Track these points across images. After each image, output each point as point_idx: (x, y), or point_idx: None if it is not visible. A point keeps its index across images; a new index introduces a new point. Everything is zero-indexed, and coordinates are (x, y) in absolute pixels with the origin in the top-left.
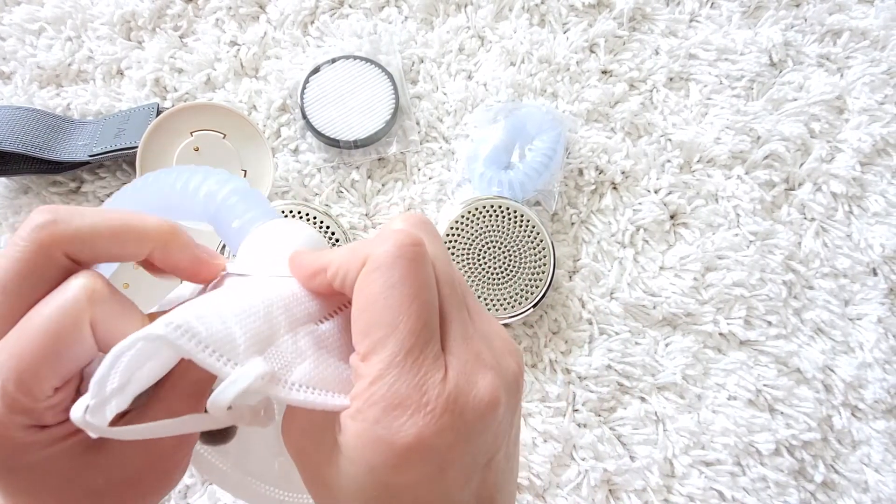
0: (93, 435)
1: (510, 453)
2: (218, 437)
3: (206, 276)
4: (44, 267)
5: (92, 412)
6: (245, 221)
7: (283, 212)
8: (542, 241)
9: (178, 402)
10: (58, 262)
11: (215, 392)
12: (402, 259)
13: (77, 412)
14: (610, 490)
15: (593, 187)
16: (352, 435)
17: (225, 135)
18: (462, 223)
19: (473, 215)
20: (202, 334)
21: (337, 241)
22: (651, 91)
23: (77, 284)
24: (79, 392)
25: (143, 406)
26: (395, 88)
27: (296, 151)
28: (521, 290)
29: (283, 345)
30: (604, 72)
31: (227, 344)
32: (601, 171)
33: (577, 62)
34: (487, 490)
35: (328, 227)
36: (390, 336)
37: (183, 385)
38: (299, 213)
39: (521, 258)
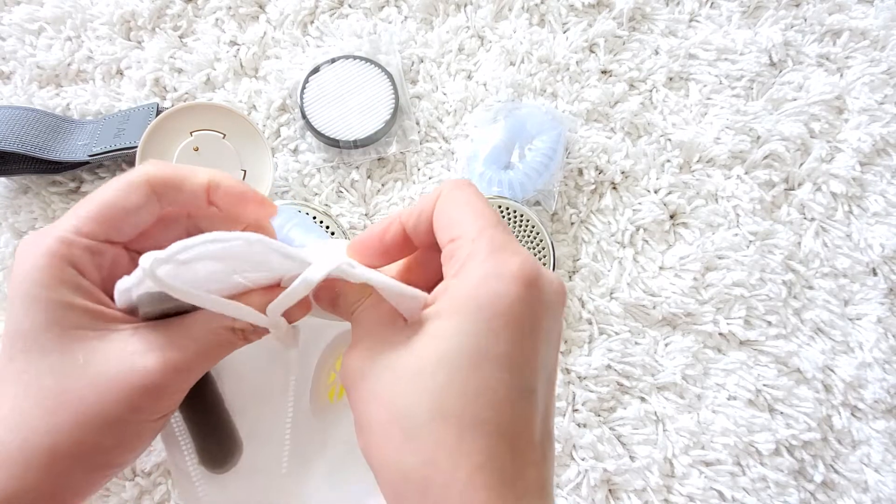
0: (150, 283)
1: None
2: (219, 459)
3: (258, 212)
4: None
5: (157, 260)
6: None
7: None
8: (541, 241)
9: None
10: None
11: (307, 270)
12: (470, 185)
13: (147, 258)
14: (610, 490)
15: (593, 187)
16: (452, 294)
17: (225, 135)
18: None
19: None
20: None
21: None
22: (651, 91)
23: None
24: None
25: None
26: (395, 88)
27: (295, 151)
28: None
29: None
30: (603, 72)
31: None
32: (601, 171)
33: (576, 62)
34: (550, 405)
35: (328, 228)
36: (480, 217)
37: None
38: (299, 212)
39: None
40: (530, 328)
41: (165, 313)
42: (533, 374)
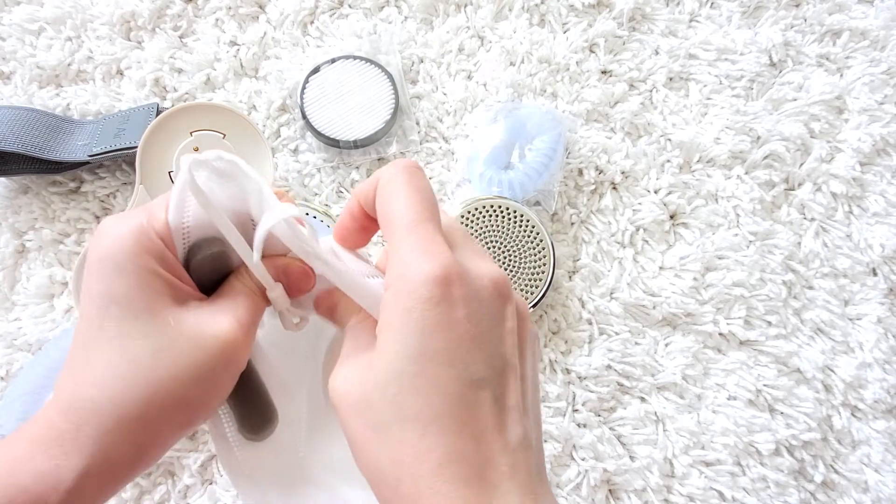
0: (185, 175)
1: (530, 388)
2: (257, 426)
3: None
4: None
5: (196, 161)
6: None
7: None
8: (541, 241)
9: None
10: None
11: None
12: (407, 170)
13: (186, 157)
14: (610, 490)
15: (593, 187)
16: (386, 306)
17: (225, 135)
18: (462, 223)
19: (473, 215)
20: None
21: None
22: (651, 91)
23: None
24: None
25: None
26: (395, 88)
27: (295, 151)
28: (521, 289)
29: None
30: (603, 72)
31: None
32: (601, 171)
33: (576, 62)
34: (513, 392)
35: (328, 227)
36: (409, 211)
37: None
38: (307, 214)
39: (521, 258)
40: (459, 322)
41: (210, 264)
42: (479, 365)
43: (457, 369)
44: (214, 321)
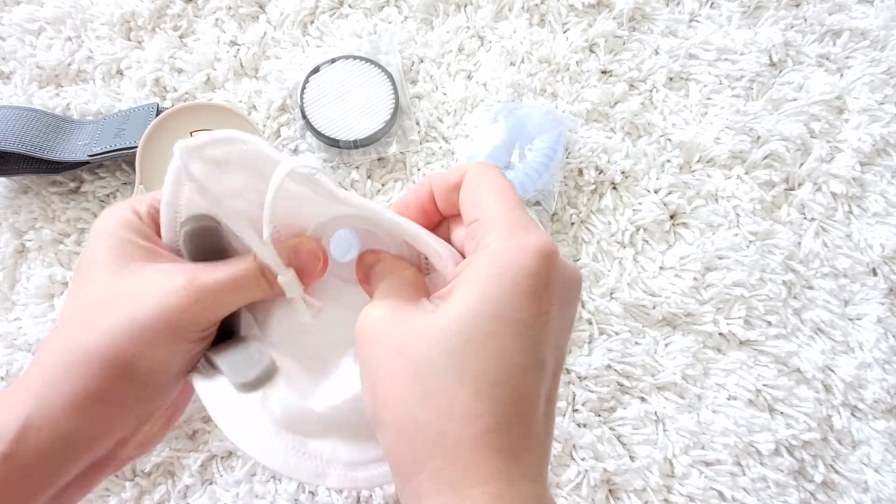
0: (179, 160)
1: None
2: (250, 377)
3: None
4: None
5: (187, 148)
6: None
7: None
8: None
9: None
10: None
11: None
12: (495, 168)
13: (179, 144)
14: (610, 490)
15: (593, 187)
16: (475, 265)
17: None
18: None
19: None
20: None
21: None
22: (651, 91)
23: None
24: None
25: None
26: (395, 88)
27: (296, 151)
28: None
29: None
30: (604, 72)
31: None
32: (601, 171)
33: (576, 62)
34: (555, 388)
35: None
36: (502, 200)
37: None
38: None
39: None
40: (548, 300)
41: (200, 238)
42: (546, 348)
43: (530, 344)
44: (164, 279)
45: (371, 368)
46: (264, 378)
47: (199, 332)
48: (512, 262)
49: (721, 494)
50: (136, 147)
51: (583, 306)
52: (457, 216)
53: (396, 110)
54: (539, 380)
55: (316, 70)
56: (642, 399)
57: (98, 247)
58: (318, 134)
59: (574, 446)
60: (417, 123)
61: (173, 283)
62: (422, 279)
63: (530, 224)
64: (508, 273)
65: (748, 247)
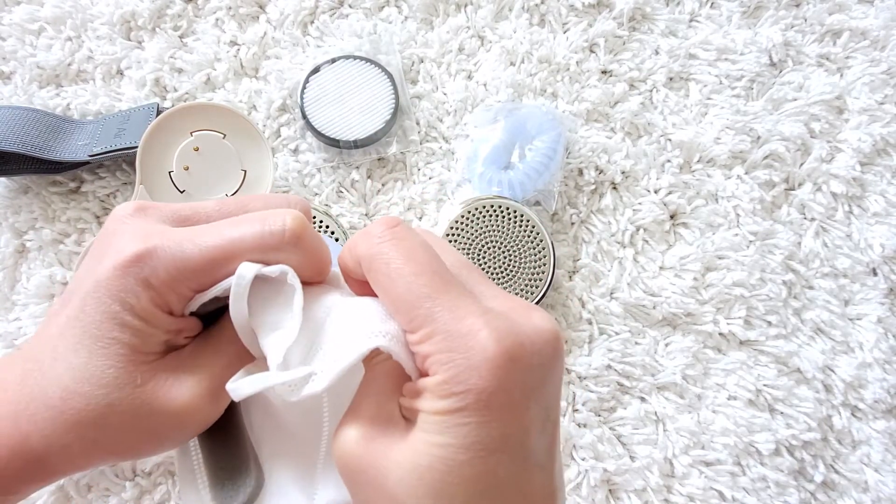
0: (244, 282)
1: (557, 430)
2: (231, 494)
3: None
4: None
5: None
6: None
7: None
8: (541, 241)
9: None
10: None
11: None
12: (385, 240)
13: (248, 268)
14: (610, 490)
15: (593, 187)
16: (432, 392)
17: (225, 135)
18: (462, 223)
19: (473, 215)
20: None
21: (337, 240)
22: (651, 91)
23: None
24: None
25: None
26: (395, 88)
27: (296, 151)
28: (521, 290)
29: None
30: (604, 72)
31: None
32: (601, 171)
33: (577, 62)
34: (554, 448)
35: (328, 227)
36: (417, 292)
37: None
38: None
39: (521, 258)
40: (523, 401)
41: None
42: (531, 437)
43: (512, 452)
44: (175, 388)
45: (358, 499)
46: (243, 495)
47: (208, 423)
48: (467, 385)
49: (721, 494)
50: (136, 147)
51: (583, 306)
52: None
53: (396, 110)
54: (531, 471)
55: (316, 70)
56: (642, 399)
57: (95, 319)
58: (318, 134)
59: (574, 446)
60: (417, 123)
61: (184, 394)
62: (396, 363)
63: (466, 307)
64: (469, 398)
65: (748, 247)
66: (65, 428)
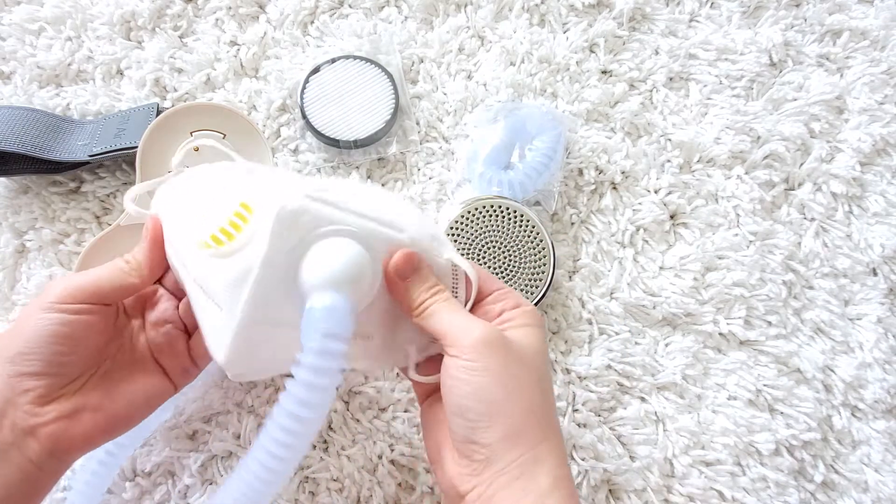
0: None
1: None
2: None
3: None
4: None
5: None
6: None
7: None
8: (541, 241)
9: None
10: None
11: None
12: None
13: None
14: (610, 490)
15: (593, 187)
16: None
17: (225, 135)
18: (462, 223)
19: (473, 215)
20: None
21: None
22: (651, 91)
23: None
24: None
25: None
26: (395, 88)
27: (296, 151)
28: (521, 290)
29: None
30: (604, 72)
31: None
32: (601, 171)
33: (576, 62)
34: (552, 395)
35: None
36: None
37: None
38: None
39: (521, 258)
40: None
41: None
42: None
43: (548, 373)
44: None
45: (500, 367)
46: None
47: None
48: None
49: (721, 494)
50: (136, 147)
51: (583, 306)
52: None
53: (396, 110)
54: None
55: (316, 70)
56: (642, 399)
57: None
58: (318, 134)
59: (574, 446)
60: (417, 123)
61: None
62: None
63: (462, 318)
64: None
65: (748, 247)
66: None
